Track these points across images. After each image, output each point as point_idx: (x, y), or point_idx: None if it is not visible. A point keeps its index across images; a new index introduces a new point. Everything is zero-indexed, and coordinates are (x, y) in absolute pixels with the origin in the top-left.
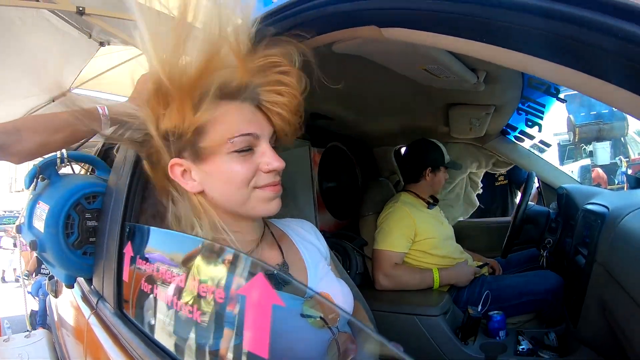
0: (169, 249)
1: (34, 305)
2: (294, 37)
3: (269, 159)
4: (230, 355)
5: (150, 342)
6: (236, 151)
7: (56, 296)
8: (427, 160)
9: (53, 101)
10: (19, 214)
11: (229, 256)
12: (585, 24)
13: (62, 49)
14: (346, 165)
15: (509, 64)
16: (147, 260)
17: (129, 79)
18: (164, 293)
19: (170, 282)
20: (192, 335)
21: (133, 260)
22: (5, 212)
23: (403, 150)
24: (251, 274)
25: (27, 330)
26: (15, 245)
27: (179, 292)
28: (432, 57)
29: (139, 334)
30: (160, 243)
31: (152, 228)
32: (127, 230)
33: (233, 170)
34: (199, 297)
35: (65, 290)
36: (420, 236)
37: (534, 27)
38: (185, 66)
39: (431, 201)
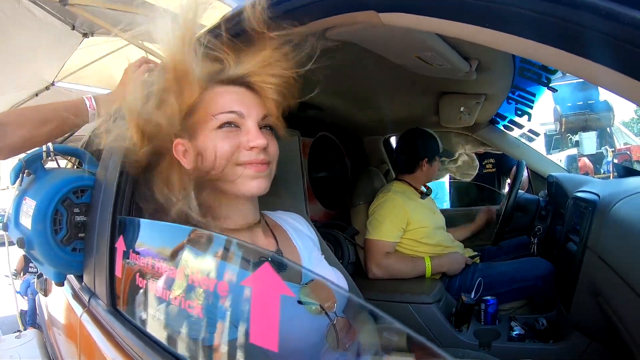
0: (164, 241)
1: (23, 304)
2: (288, 22)
3: (251, 136)
4: (238, 350)
5: (147, 339)
6: (220, 127)
7: (46, 295)
8: (424, 150)
9: (37, 95)
10: (4, 211)
11: (225, 244)
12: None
13: (44, 41)
14: (336, 155)
15: (509, 49)
16: (140, 253)
17: (113, 72)
18: (161, 287)
19: (167, 276)
20: (193, 329)
21: (126, 254)
22: None
23: (393, 139)
24: (252, 263)
25: (18, 331)
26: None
27: (176, 285)
28: (427, 44)
29: (135, 330)
30: (154, 235)
31: (145, 220)
32: (119, 223)
33: (216, 146)
34: (199, 290)
35: (55, 289)
36: (412, 225)
37: (535, 11)
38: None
39: (424, 191)
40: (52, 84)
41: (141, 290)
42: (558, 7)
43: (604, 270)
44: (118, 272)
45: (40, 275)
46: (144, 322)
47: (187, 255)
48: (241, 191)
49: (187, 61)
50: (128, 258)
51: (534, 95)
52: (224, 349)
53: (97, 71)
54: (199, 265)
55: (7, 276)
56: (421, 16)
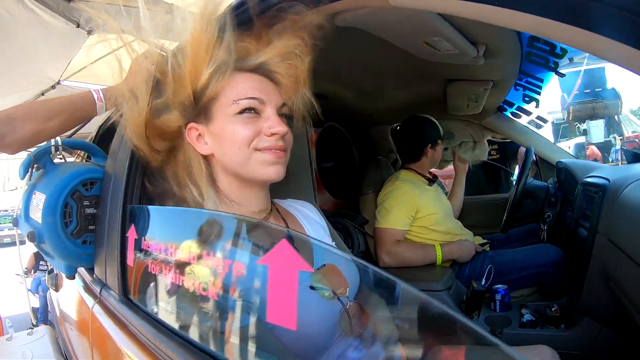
0: (177, 227)
1: (35, 302)
2: (297, 6)
3: (272, 122)
4: (255, 331)
5: (161, 326)
6: (240, 113)
7: (57, 290)
8: (426, 137)
9: (42, 94)
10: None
11: (242, 225)
12: None
13: (49, 40)
14: (343, 145)
15: (515, 26)
16: (153, 240)
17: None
18: (174, 273)
19: (180, 261)
20: (209, 313)
21: (137, 242)
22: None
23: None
24: (269, 240)
25: (30, 328)
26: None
27: (191, 270)
28: (434, 29)
29: (148, 318)
30: (166, 221)
31: (156, 207)
32: (129, 212)
33: (236, 130)
34: (214, 273)
35: (66, 284)
36: (422, 212)
37: None
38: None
39: (431, 177)
40: (58, 82)
41: (154, 278)
42: None
43: (615, 254)
44: (130, 261)
45: (51, 271)
46: (157, 309)
47: (201, 239)
48: (259, 177)
49: (208, 45)
50: (140, 246)
51: (541, 81)
52: (240, 331)
53: (104, 69)
54: (214, 247)
55: (18, 274)
56: None
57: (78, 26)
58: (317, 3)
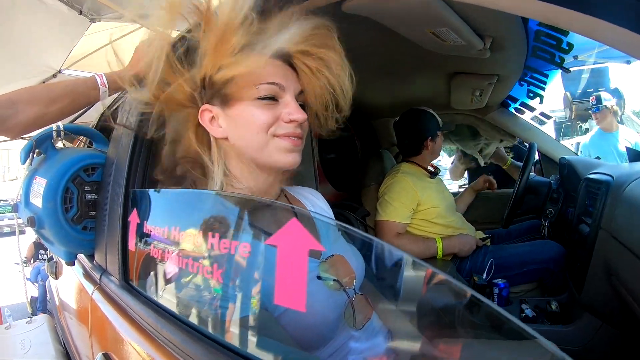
0: (180, 209)
1: (34, 291)
2: None
3: (291, 109)
4: (260, 316)
5: (163, 311)
6: (260, 98)
7: (56, 278)
8: (426, 130)
9: (43, 83)
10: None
11: (251, 205)
12: None
13: (51, 27)
14: (345, 137)
15: (527, 13)
16: (155, 224)
17: (125, 56)
18: (178, 257)
19: (184, 245)
20: (213, 297)
21: (139, 227)
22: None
23: None
24: (278, 220)
25: (29, 317)
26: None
27: (197, 253)
28: (441, 19)
29: (149, 304)
30: (169, 204)
31: (160, 190)
32: (132, 197)
33: (254, 115)
34: (220, 254)
35: (65, 271)
36: (423, 205)
37: None
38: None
39: (433, 170)
40: (59, 71)
41: (157, 262)
42: None
43: (618, 250)
44: (131, 246)
45: (50, 259)
46: (159, 294)
47: (206, 220)
48: (276, 163)
49: (231, 28)
50: (142, 231)
51: (546, 76)
52: (244, 316)
53: (106, 57)
54: (220, 229)
55: (17, 264)
56: None
57: (80, 13)
58: None
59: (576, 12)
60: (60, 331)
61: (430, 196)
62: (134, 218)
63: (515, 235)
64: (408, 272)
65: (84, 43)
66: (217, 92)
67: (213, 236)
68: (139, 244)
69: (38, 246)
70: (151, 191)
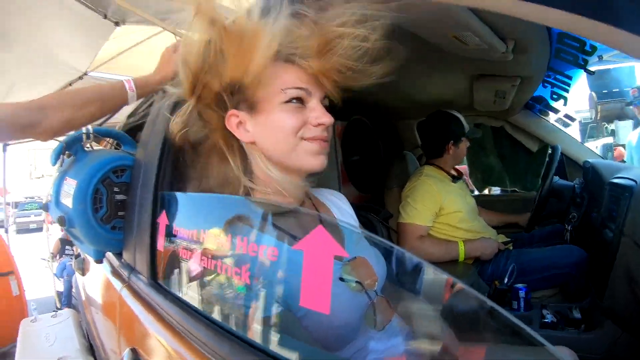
0: (210, 212)
1: (59, 286)
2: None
3: (318, 113)
4: (285, 312)
5: (189, 309)
6: (288, 102)
7: (83, 274)
8: (448, 133)
9: (70, 85)
10: (40, 199)
11: (278, 210)
12: None
13: (77, 31)
14: (369, 139)
15: (551, 23)
16: (184, 227)
17: (145, 60)
18: (207, 259)
19: (213, 247)
20: (240, 297)
21: (168, 228)
22: (26, 198)
23: None
24: (306, 225)
25: (54, 311)
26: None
27: (225, 254)
28: (465, 24)
29: (176, 301)
30: (199, 207)
31: (189, 194)
32: (161, 199)
33: (283, 119)
34: (248, 257)
35: (92, 268)
36: (446, 209)
37: None
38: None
39: (455, 174)
40: (85, 73)
41: (185, 262)
42: None
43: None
44: (160, 246)
45: (77, 256)
46: (186, 292)
47: (235, 225)
48: (304, 166)
49: (261, 34)
50: (171, 232)
51: (570, 78)
52: (269, 317)
53: (130, 60)
54: (249, 232)
55: (44, 259)
56: None
57: (105, 17)
58: None
59: (600, 22)
60: (85, 325)
61: (452, 200)
62: (162, 219)
63: (537, 239)
64: (428, 276)
65: (109, 46)
66: (244, 97)
67: (242, 240)
68: (167, 244)
69: (64, 242)
70: (180, 194)
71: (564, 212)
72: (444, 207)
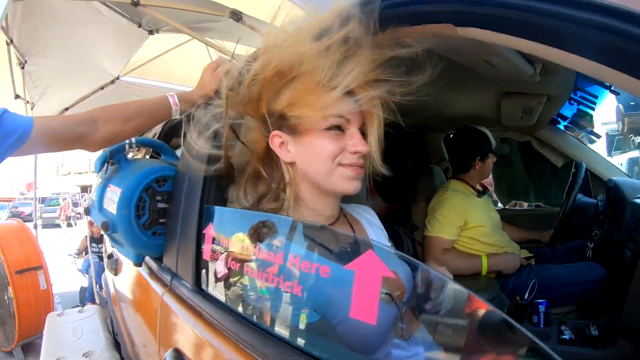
0: (259, 230)
1: (84, 282)
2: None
3: (356, 141)
4: (321, 320)
5: (234, 314)
6: (328, 129)
7: (115, 274)
8: (475, 149)
9: (102, 88)
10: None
11: (329, 233)
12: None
13: (111, 38)
14: (396, 151)
15: (572, 66)
16: (233, 240)
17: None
18: (259, 270)
19: (262, 259)
20: (288, 306)
21: (215, 240)
22: (52, 194)
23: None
24: (355, 250)
25: (78, 306)
26: (69, 225)
27: (271, 268)
28: (494, 49)
29: (222, 307)
30: (246, 223)
31: (237, 210)
32: (207, 211)
33: (323, 145)
34: (295, 271)
35: (126, 269)
36: (470, 224)
37: (601, 39)
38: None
39: (481, 189)
40: (117, 78)
41: (234, 273)
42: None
43: None
44: (206, 256)
45: (110, 256)
46: (235, 300)
47: (289, 242)
48: (339, 189)
49: (314, 61)
50: (219, 244)
51: (596, 97)
52: (314, 323)
53: (160, 66)
54: (302, 250)
55: (70, 255)
56: (496, 32)
57: (140, 26)
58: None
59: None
60: (112, 321)
61: (477, 215)
62: (209, 231)
63: (559, 255)
64: (450, 290)
65: (141, 52)
66: (286, 122)
67: (295, 257)
68: (214, 254)
69: (91, 240)
70: (228, 209)
71: (586, 229)
72: (469, 221)
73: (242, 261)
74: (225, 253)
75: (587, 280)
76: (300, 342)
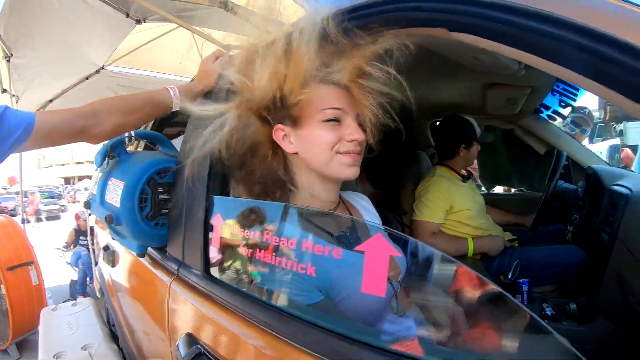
0: (271, 217)
1: (73, 275)
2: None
3: (352, 130)
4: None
5: (245, 295)
6: (326, 120)
7: (113, 266)
8: (460, 137)
9: (87, 79)
10: (49, 188)
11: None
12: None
13: (98, 28)
14: (384, 138)
15: (560, 75)
16: (242, 228)
17: (160, 55)
18: (266, 254)
19: (273, 244)
20: (300, 287)
21: (223, 229)
22: (35, 187)
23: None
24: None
25: (70, 299)
26: (39, 219)
27: (281, 251)
28: (483, 50)
29: (233, 290)
30: (255, 212)
31: (245, 200)
32: (212, 201)
33: (322, 136)
34: (307, 253)
35: (123, 260)
36: (456, 208)
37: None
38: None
39: (465, 174)
40: (102, 67)
41: (245, 258)
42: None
43: (630, 261)
44: (214, 244)
45: (106, 248)
46: (247, 283)
47: (300, 228)
48: (338, 175)
49: (305, 57)
50: (228, 232)
51: (577, 89)
52: (322, 301)
53: (147, 55)
54: (314, 235)
55: (58, 248)
56: (488, 40)
57: (127, 16)
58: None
59: (603, 86)
60: (108, 313)
61: (462, 199)
62: (217, 220)
63: (541, 238)
64: (440, 268)
65: (127, 41)
66: (288, 114)
67: (307, 241)
68: (223, 243)
69: (78, 232)
70: (234, 199)
71: (566, 213)
72: (455, 205)
73: (253, 247)
74: (236, 240)
75: (567, 262)
76: (308, 317)
